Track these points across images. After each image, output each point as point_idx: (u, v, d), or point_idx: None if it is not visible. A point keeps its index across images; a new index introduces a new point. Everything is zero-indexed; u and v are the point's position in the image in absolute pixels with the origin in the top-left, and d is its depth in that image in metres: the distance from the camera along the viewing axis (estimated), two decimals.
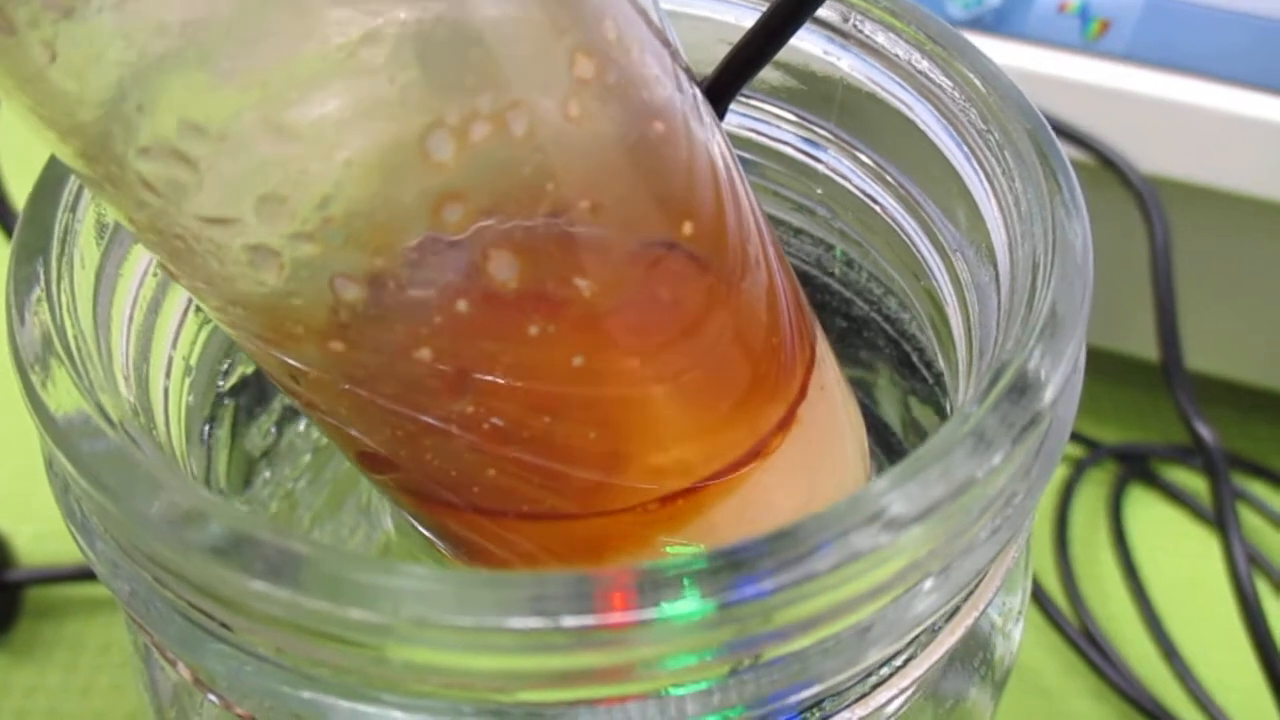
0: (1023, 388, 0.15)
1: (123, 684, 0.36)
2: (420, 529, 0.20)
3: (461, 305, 0.15)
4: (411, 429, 0.16)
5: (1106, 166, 0.39)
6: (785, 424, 0.18)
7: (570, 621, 0.13)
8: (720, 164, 0.17)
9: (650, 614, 0.13)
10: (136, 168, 0.14)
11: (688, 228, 0.17)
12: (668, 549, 0.18)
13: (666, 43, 0.17)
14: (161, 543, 0.13)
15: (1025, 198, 0.17)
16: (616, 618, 0.13)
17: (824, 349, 0.20)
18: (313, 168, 0.14)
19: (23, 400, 0.15)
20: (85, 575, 0.37)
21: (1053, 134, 0.18)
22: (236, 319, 0.16)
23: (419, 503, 0.18)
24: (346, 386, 0.16)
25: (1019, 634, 0.21)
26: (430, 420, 0.16)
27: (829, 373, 0.20)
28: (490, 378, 0.16)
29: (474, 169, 0.14)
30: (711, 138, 0.17)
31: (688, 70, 0.17)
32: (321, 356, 0.16)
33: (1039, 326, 0.16)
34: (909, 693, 0.17)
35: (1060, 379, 0.15)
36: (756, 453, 0.18)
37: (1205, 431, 0.37)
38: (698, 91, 0.17)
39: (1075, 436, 0.45)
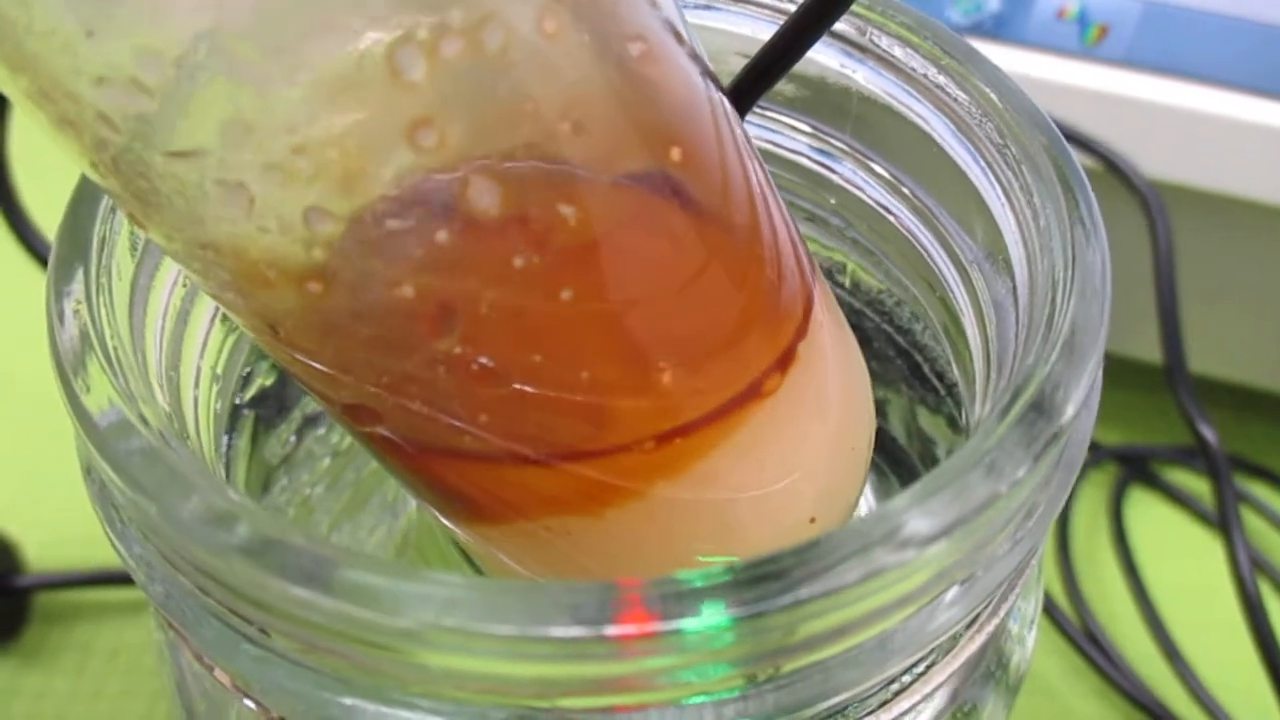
0: (1042, 406, 0.15)
1: (131, 689, 0.36)
2: (416, 494, 0.19)
3: (442, 236, 0.15)
4: (398, 375, 0.16)
5: (1109, 170, 0.39)
6: (785, 362, 0.18)
7: (596, 631, 0.13)
8: (708, 95, 0.17)
9: (674, 625, 0.13)
10: (93, 102, 0.13)
11: (675, 154, 0.16)
12: (670, 498, 0.18)
13: None
14: (197, 544, 0.14)
15: (1044, 214, 0.17)
16: (640, 629, 0.13)
17: (822, 288, 0.19)
18: (276, 90, 0.13)
19: (63, 405, 0.15)
20: (94, 580, 0.37)
21: (1070, 151, 0.18)
22: (209, 266, 0.15)
23: (412, 459, 0.18)
24: (327, 333, 0.16)
25: (1033, 639, 0.21)
26: (417, 363, 0.16)
27: (828, 309, 0.19)
28: (476, 314, 0.15)
29: (448, 89, 0.14)
30: (700, 70, 0.17)
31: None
32: (299, 301, 0.15)
33: (1059, 345, 0.16)
34: (928, 700, 0.18)
35: (1080, 397, 0.16)
36: (756, 391, 0.18)
37: (1208, 433, 0.37)
38: (687, 26, 0.17)
39: None
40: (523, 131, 0.14)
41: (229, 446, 0.21)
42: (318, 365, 0.16)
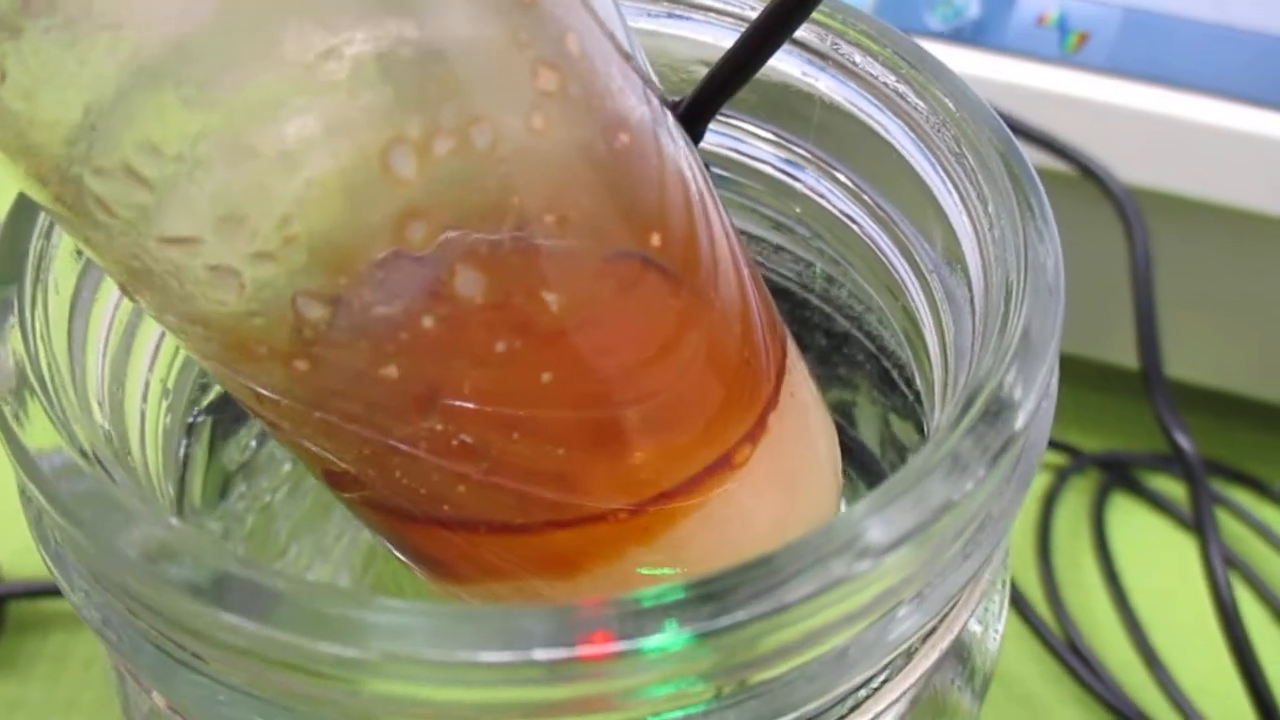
0: (997, 410, 0.15)
1: (106, 699, 0.36)
2: (391, 548, 0.19)
3: (428, 322, 0.15)
4: (379, 447, 0.16)
5: (1086, 176, 0.39)
6: (756, 433, 0.18)
7: (548, 655, 0.13)
8: (688, 176, 0.17)
9: (628, 646, 0.13)
10: (92, 189, 0.14)
11: (656, 240, 0.16)
12: (642, 565, 0.18)
13: (629, 57, 0.17)
14: (134, 578, 0.13)
15: (999, 223, 0.17)
16: (594, 650, 0.13)
17: (794, 356, 0.20)
18: (273, 186, 0.14)
19: None
20: None
21: (1025, 156, 0.18)
22: (197, 339, 0.16)
23: (388, 520, 0.18)
24: (311, 406, 0.16)
25: (997, 641, 0.21)
26: (398, 439, 0.16)
27: (799, 380, 0.20)
28: (458, 395, 0.16)
29: (438, 185, 0.14)
30: (678, 150, 0.17)
31: (654, 85, 0.17)
32: (286, 376, 0.16)
33: (1012, 349, 0.16)
34: (890, 711, 0.18)
35: (1034, 401, 0.15)
36: (727, 463, 0.18)
37: (1183, 440, 0.37)
38: (664, 106, 0.17)
39: (1058, 445, 0.45)
40: (509, 222, 0.15)
41: (185, 454, 0.21)
42: (301, 434, 0.17)
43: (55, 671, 0.37)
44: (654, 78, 0.17)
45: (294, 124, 0.13)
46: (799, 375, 0.20)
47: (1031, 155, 0.38)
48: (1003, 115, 0.37)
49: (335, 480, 0.18)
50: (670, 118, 0.17)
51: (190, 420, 0.21)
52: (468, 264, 0.15)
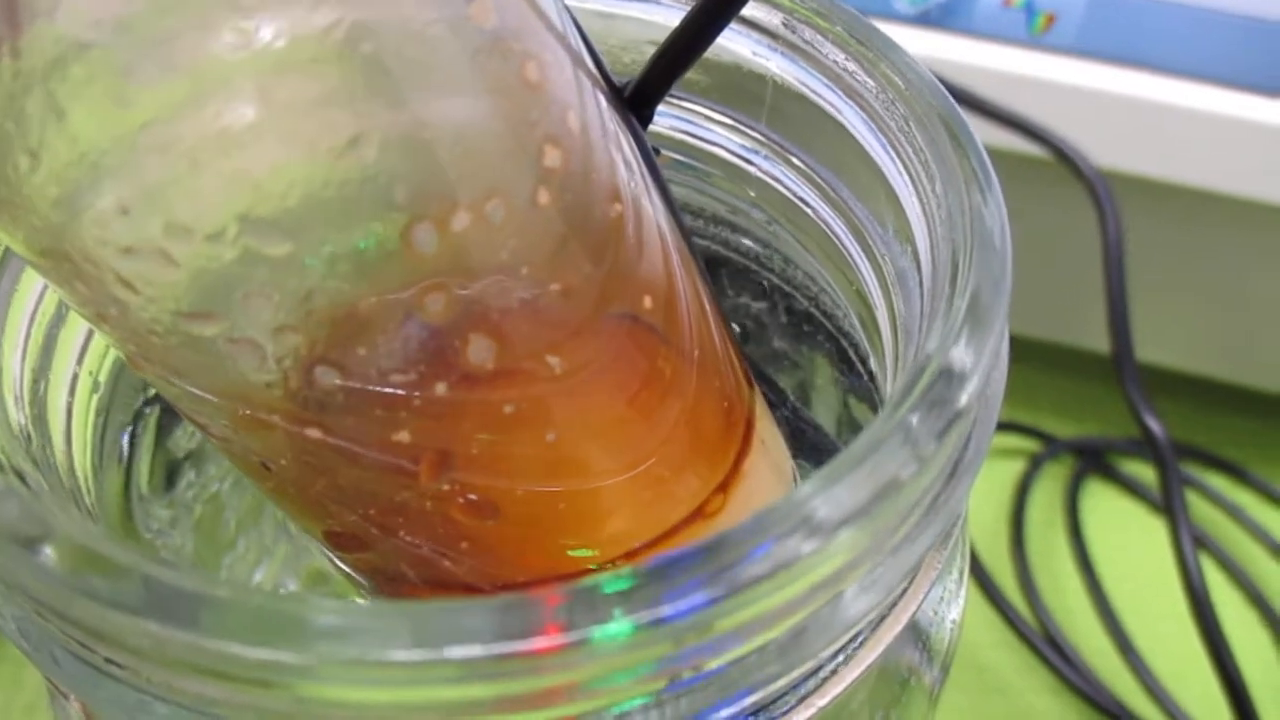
0: (946, 383, 0.15)
1: None
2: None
3: (440, 388, 0.15)
4: (385, 507, 0.17)
5: (1058, 159, 0.39)
6: (728, 482, 0.19)
7: (498, 649, 0.12)
8: (668, 236, 0.18)
9: (578, 637, 0.13)
10: (114, 267, 0.14)
11: (648, 301, 0.17)
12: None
13: (615, 135, 0.17)
14: (48, 587, 0.13)
15: (946, 201, 0.17)
16: (545, 642, 0.13)
17: (760, 403, 0.20)
18: (303, 267, 0.14)
19: None
20: None
21: (969, 125, 0.18)
22: (208, 408, 0.16)
23: (387, 581, 0.19)
24: (320, 471, 0.16)
25: (956, 616, 0.21)
26: (406, 498, 0.17)
27: (766, 425, 0.20)
28: (467, 456, 0.16)
29: (455, 259, 0.15)
30: (658, 212, 0.18)
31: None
32: (296, 443, 0.16)
33: (959, 319, 0.15)
34: (848, 692, 0.17)
35: (984, 371, 0.15)
36: (700, 513, 0.19)
37: (1154, 424, 0.37)
38: (645, 170, 0.18)
39: (1031, 431, 0.45)
40: (518, 292, 0.15)
41: (130, 440, 0.21)
42: (306, 496, 0.17)
43: (15, 674, 0.36)
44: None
45: (320, 203, 0.14)
46: (766, 419, 0.20)
47: (1004, 138, 0.38)
48: (975, 99, 0.38)
49: (338, 542, 0.18)
50: (650, 179, 0.18)
51: (137, 406, 0.21)
52: (480, 332, 0.15)
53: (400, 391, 0.15)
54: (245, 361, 0.15)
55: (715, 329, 0.19)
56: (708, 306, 0.19)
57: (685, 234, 0.19)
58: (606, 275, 0.17)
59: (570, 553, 0.18)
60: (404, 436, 0.16)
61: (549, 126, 0.16)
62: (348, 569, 0.20)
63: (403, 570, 0.18)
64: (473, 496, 0.17)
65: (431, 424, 0.16)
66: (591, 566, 0.18)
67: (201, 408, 0.16)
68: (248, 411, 0.16)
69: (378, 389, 0.15)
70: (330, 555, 0.19)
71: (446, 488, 0.16)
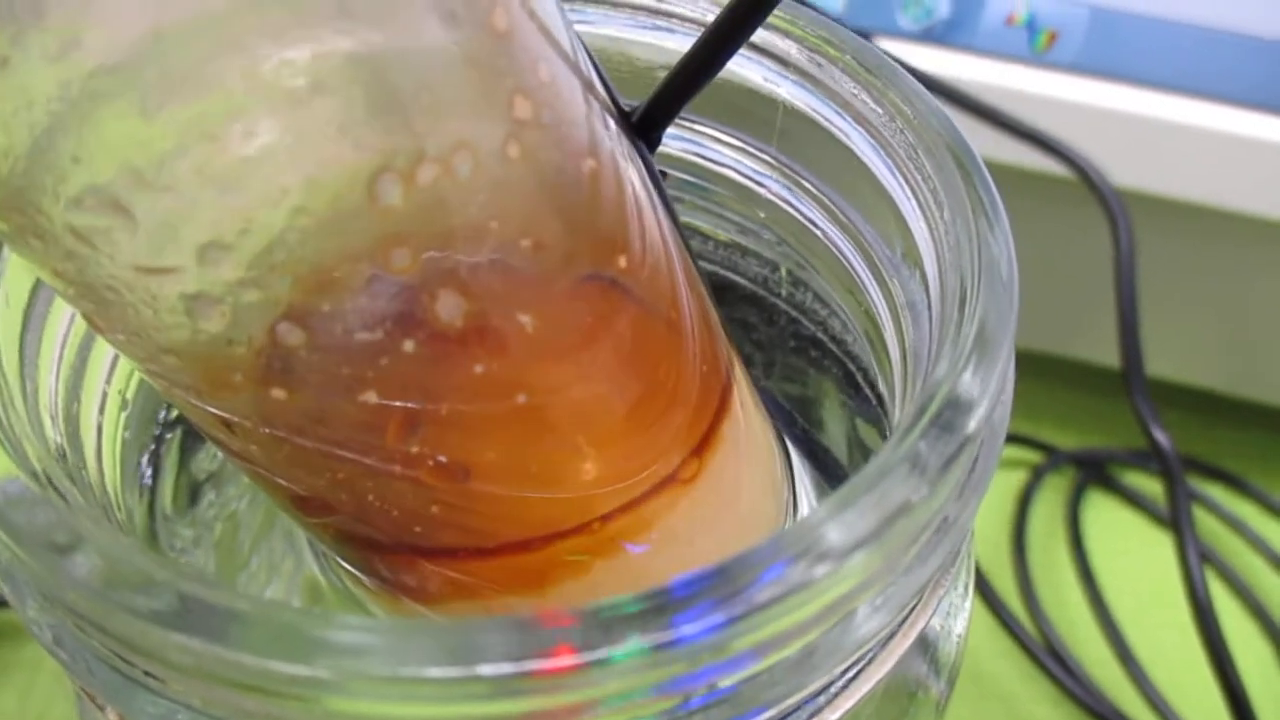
0: (954, 410, 0.15)
1: None
2: (356, 572, 0.20)
3: (408, 346, 0.15)
4: (353, 471, 0.16)
5: (1076, 175, 0.39)
6: (703, 446, 0.19)
7: (511, 669, 0.13)
8: (643, 196, 0.17)
9: (590, 658, 0.13)
10: (66, 219, 0.13)
11: (622, 261, 0.17)
12: (601, 580, 0.18)
13: (590, 84, 0.17)
14: (88, 603, 0.13)
15: (954, 228, 0.17)
16: (555, 664, 0.13)
17: (739, 369, 0.20)
18: (260, 214, 0.14)
19: None
20: None
21: (976, 153, 0.18)
22: (169, 369, 0.15)
23: (355, 545, 0.18)
24: (286, 434, 0.16)
25: (962, 629, 0.21)
26: (374, 461, 0.16)
27: (745, 393, 0.20)
28: (436, 417, 0.16)
29: (421, 211, 0.14)
30: (633, 171, 0.17)
31: (612, 105, 0.18)
32: (261, 405, 0.15)
33: (967, 348, 0.16)
34: (858, 707, 0.18)
35: (991, 398, 0.16)
36: (676, 476, 0.18)
37: (1162, 437, 0.37)
38: (619, 128, 0.18)
39: (1034, 442, 0.46)
40: (487, 248, 0.15)
41: (155, 462, 0.21)
42: (271, 461, 0.17)
43: (28, 680, 0.37)
44: (606, 98, 0.17)
45: (282, 151, 0.13)
46: (744, 387, 0.20)
47: (1013, 153, 0.39)
48: (993, 114, 0.38)
49: (304, 506, 0.18)
50: (624, 138, 0.18)
51: (159, 429, 0.21)
52: (448, 288, 0.15)
53: (365, 349, 0.15)
54: (204, 319, 0.14)
55: (694, 294, 0.19)
56: (687, 272, 0.19)
57: (671, 213, 0.19)
58: (580, 233, 0.16)
59: (544, 516, 0.18)
60: (371, 397, 0.15)
61: (519, 76, 0.15)
62: (325, 546, 0.19)
63: (374, 536, 0.18)
64: (442, 459, 0.16)
65: (399, 384, 0.15)
66: (565, 529, 0.18)
67: (165, 369, 0.15)
68: (211, 371, 0.15)
69: (342, 347, 0.15)
70: (301, 521, 0.19)
71: (415, 450, 0.16)
